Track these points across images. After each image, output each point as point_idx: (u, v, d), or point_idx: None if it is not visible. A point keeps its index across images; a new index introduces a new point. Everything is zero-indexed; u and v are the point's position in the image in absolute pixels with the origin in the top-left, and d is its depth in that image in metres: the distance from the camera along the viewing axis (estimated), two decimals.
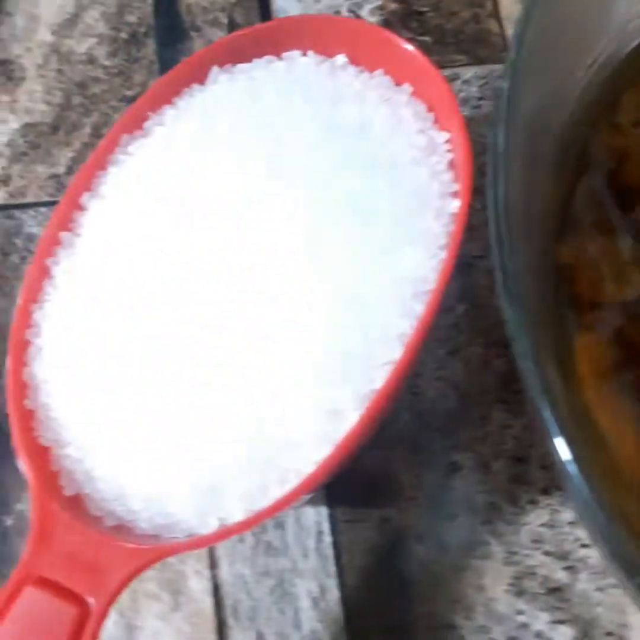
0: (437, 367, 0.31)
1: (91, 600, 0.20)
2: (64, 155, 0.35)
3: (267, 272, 0.23)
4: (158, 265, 0.23)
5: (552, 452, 0.20)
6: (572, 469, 0.19)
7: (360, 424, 0.22)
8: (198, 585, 0.28)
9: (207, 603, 0.27)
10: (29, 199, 0.34)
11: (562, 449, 0.19)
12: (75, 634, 0.20)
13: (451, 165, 0.26)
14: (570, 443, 0.19)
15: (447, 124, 0.26)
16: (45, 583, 0.20)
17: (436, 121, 0.26)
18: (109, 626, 0.27)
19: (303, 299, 0.23)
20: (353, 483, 0.29)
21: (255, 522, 0.21)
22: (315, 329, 0.23)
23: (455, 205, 0.25)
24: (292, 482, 0.22)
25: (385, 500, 0.29)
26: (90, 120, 0.35)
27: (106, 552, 0.21)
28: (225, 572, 0.28)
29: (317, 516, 0.29)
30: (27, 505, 0.29)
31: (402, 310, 0.23)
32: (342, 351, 0.23)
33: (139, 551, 0.21)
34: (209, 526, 0.22)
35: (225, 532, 0.21)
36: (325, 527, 0.29)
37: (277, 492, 0.22)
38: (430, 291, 0.24)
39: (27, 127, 0.35)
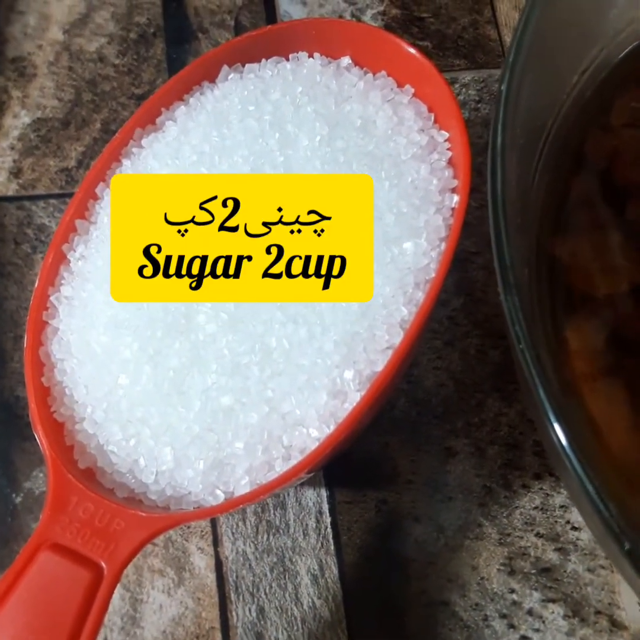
0: (434, 357, 0.32)
1: (104, 565, 0.21)
2: (74, 150, 0.36)
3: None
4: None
5: (547, 434, 0.21)
6: (567, 448, 0.20)
7: (362, 405, 0.23)
8: (201, 562, 0.29)
9: (210, 579, 0.29)
10: (40, 191, 0.35)
11: (557, 428, 0.20)
12: (88, 596, 0.21)
13: (451, 162, 0.27)
14: (564, 424, 0.20)
15: (447, 123, 0.27)
16: (60, 549, 0.21)
17: (437, 120, 0.28)
18: (115, 600, 0.28)
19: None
20: (352, 466, 0.30)
21: (260, 495, 0.22)
22: (322, 314, 0.24)
23: (455, 200, 0.26)
24: (296, 458, 0.23)
25: (383, 483, 0.30)
26: (100, 116, 0.36)
27: (119, 520, 0.22)
28: (227, 550, 0.29)
29: (317, 497, 0.30)
30: (35, 483, 0.30)
31: (404, 297, 0.24)
32: (348, 335, 0.24)
33: (151, 519, 0.22)
34: (217, 499, 0.23)
35: (232, 503, 0.22)
36: (325, 507, 0.30)
37: (281, 468, 0.23)
38: (431, 280, 0.25)
39: (39, 122, 0.36)
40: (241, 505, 0.22)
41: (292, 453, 0.23)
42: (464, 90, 0.37)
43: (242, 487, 0.23)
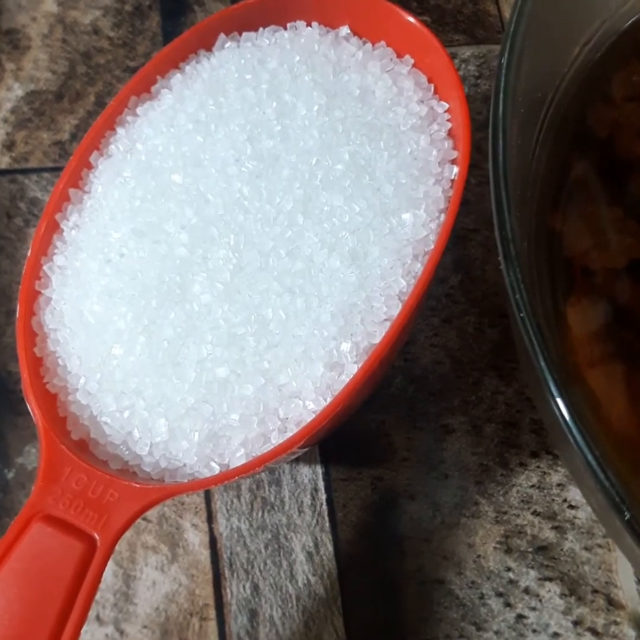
0: (431, 335, 0.32)
1: (97, 536, 0.21)
2: (68, 123, 0.35)
3: (274, 231, 0.24)
4: (166, 221, 0.24)
5: (546, 405, 0.21)
6: (568, 416, 0.20)
7: (359, 377, 0.23)
8: (195, 539, 0.28)
9: (204, 555, 0.28)
10: (33, 164, 0.34)
11: (558, 398, 0.20)
12: (81, 568, 0.20)
13: (450, 134, 0.26)
14: (565, 392, 0.20)
15: (447, 94, 0.27)
16: (52, 520, 0.21)
17: (436, 91, 0.27)
18: (108, 576, 0.28)
19: (309, 256, 0.24)
20: (348, 443, 0.30)
21: (255, 466, 0.22)
22: (319, 285, 0.24)
23: (455, 171, 0.25)
24: (292, 431, 0.23)
25: (379, 460, 0.30)
26: (94, 89, 0.36)
27: (112, 491, 0.21)
28: (222, 526, 0.29)
29: (312, 474, 0.29)
30: (28, 459, 0.29)
31: (403, 269, 0.24)
32: (345, 307, 0.23)
33: (145, 490, 0.21)
34: (212, 471, 0.23)
35: (227, 475, 0.22)
36: (320, 484, 0.29)
37: (277, 441, 0.23)
38: (430, 252, 0.24)
39: (32, 94, 0.35)
40: (237, 477, 0.22)
41: (288, 425, 0.23)
42: (463, 65, 0.36)
43: (238, 459, 0.23)
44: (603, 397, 0.26)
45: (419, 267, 0.24)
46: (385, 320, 0.24)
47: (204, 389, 0.23)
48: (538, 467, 0.30)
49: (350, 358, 0.23)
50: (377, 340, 0.23)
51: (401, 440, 0.30)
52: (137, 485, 0.22)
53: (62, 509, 0.21)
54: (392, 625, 0.28)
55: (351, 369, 0.23)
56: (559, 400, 0.20)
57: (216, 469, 0.23)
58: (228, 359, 0.23)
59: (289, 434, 0.23)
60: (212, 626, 0.27)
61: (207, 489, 0.25)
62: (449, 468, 0.30)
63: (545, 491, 0.30)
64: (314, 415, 0.23)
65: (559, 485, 0.30)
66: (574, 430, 0.19)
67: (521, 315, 0.20)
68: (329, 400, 0.23)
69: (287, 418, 0.23)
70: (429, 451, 0.30)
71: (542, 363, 0.20)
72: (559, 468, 0.30)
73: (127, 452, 0.23)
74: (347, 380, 0.23)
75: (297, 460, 0.30)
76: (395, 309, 0.24)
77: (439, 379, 0.31)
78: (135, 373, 0.23)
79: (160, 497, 0.22)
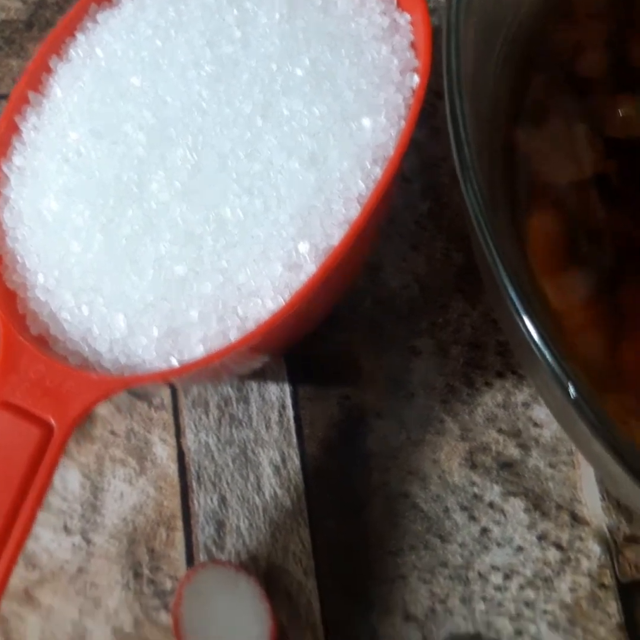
0: (400, 260, 0.32)
1: (54, 423, 0.21)
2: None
3: (232, 133, 0.24)
4: (124, 122, 0.24)
5: (506, 310, 0.21)
6: (534, 333, 0.20)
7: (318, 276, 0.23)
8: (163, 452, 0.29)
9: (172, 469, 0.29)
10: (3, 91, 0.35)
11: (512, 293, 0.20)
12: (37, 453, 0.21)
13: (413, 46, 0.27)
14: (530, 312, 0.20)
15: (410, 6, 0.27)
16: (9, 407, 0.21)
17: (400, 4, 0.27)
18: (75, 487, 0.28)
19: (268, 158, 0.24)
20: (315, 363, 0.30)
21: (214, 359, 0.22)
22: (278, 187, 0.24)
23: (416, 80, 0.26)
24: (251, 329, 0.23)
25: (347, 380, 0.30)
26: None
27: (70, 380, 0.22)
28: (190, 441, 0.29)
29: (280, 392, 0.30)
30: None
31: (362, 173, 0.24)
32: (304, 208, 0.24)
33: (102, 380, 0.22)
34: (171, 366, 0.23)
35: (186, 368, 0.22)
36: (288, 402, 0.30)
37: (236, 339, 0.23)
38: (389, 158, 0.25)
39: (3, 23, 0.36)
40: (195, 370, 0.22)
41: (248, 324, 0.23)
42: None
43: (197, 356, 0.23)
44: (564, 312, 0.27)
45: (378, 171, 0.24)
46: (344, 222, 0.24)
47: (163, 286, 0.23)
48: (503, 386, 0.30)
49: (308, 259, 0.24)
50: (335, 241, 0.24)
51: (368, 361, 0.31)
52: (94, 376, 0.22)
53: (19, 397, 0.21)
54: (357, 537, 0.28)
55: (309, 269, 0.24)
56: (511, 292, 0.20)
57: (176, 365, 0.23)
58: (186, 257, 0.23)
59: (248, 332, 0.23)
60: (179, 536, 0.28)
61: (164, 381, 0.25)
62: (415, 388, 0.30)
63: (510, 410, 0.30)
64: (272, 314, 0.23)
65: (524, 404, 0.30)
66: (535, 333, 0.20)
67: (475, 213, 0.21)
68: (287, 298, 0.23)
69: (246, 317, 0.23)
70: (395, 372, 0.30)
71: (497, 260, 0.21)
72: (524, 388, 0.30)
73: (86, 349, 0.23)
74: (306, 279, 0.23)
75: (265, 379, 0.30)
76: (354, 212, 0.24)
77: (406, 302, 0.31)
78: (93, 270, 0.23)
79: (117, 386, 0.22)
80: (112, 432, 0.29)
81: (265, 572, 0.27)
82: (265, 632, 0.25)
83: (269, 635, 0.25)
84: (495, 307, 0.30)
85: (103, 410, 0.29)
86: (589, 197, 0.27)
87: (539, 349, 0.21)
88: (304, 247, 0.24)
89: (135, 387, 0.25)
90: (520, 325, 0.21)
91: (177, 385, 0.29)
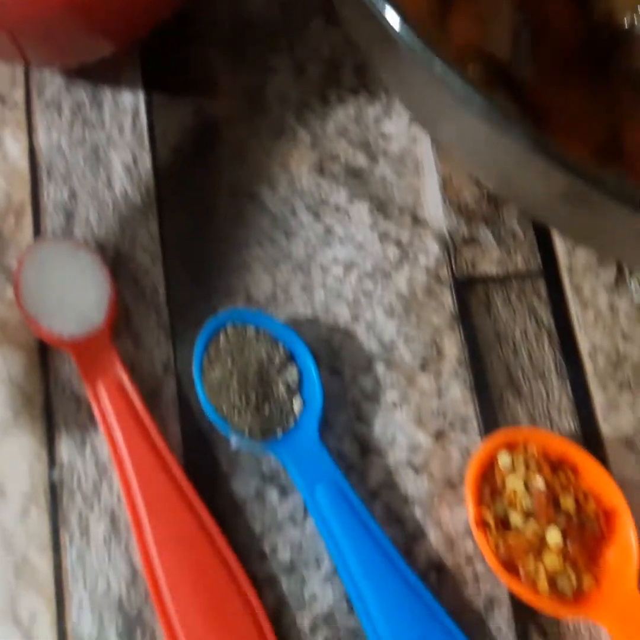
0: None
1: None
2: None
3: None
4: None
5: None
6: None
7: None
8: (15, 149, 0.29)
9: (23, 164, 0.29)
10: None
11: None
12: None
13: None
14: None
15: None
16: None
17: None
18: None
19: None
20: (172, 73, 0.31)
21: None
22: None
23: None
24: None
25: (203, 92, 0.31)
26: None
27: None
28: (41, 139, 0.30)
29: (134, 100, 0.30)
30: None
31: None
32: None
33: None
34: None
35: None
36: (142, 108, 0.30)
37: None
38: None
39: None
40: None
41: None
42: None
43: None
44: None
45: None
46: None
47: None
48: (357, 102, 0.31)
49: None
50: None
51: (225, 76, 0.31)
52: None
53: None
54: (205, 232, 0.29)
55: None
56: None
57: None
58: None
59: None
60: (27, 222, 0.29)
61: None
62: (270, 102, 0.31)
63: (362, 124, 0.31)
64: None
65: (375, 119, 0.31)
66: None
67: None
68: None
69: None
70: (252, 87, 0.31)
71: None
72: (377, 104, 0.31)
73: None
74: None
75: (118, 84, 0.30)
76: None
77: (265, 21, 0.32)
78: None
79: None
80: None
81: (113, 258, 0.29)
82: (104, 297, 0.27)
83: (108, 301, 0.27)
84: None
85: None
86: None
87: None
88: None
89: None
90: None
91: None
